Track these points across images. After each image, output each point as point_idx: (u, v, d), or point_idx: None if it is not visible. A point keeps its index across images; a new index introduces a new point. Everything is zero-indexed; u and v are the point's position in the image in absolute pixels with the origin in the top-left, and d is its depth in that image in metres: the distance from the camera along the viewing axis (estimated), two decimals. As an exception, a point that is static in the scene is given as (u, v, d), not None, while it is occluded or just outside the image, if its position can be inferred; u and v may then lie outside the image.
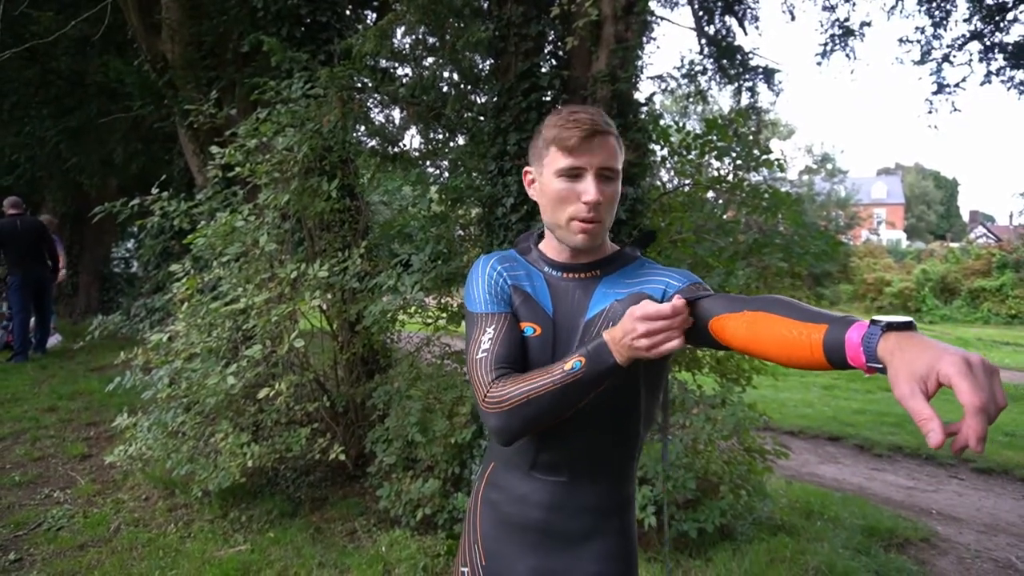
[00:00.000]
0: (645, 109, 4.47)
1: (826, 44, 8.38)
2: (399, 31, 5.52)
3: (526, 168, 1.37)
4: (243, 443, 3.47)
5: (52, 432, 5.04)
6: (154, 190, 3.98)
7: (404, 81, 5.48)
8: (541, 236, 1.42)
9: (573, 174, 1.23)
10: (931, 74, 7.88)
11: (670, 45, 76.11)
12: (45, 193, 11.77)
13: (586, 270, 1.33)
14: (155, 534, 3.48)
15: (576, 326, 1.29)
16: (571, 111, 1.26)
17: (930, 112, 8.09)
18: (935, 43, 7.83)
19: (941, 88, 7.85)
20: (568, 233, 1.27)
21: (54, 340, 8.35)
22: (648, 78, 11.47)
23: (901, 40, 8.09)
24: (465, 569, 1.40)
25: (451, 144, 5.97)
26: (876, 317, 0.84)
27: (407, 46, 6.07)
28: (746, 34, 13.70)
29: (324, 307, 3.97)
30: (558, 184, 1.25)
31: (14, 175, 10.22)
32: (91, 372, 6.99)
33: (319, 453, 3.61)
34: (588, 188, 1.22)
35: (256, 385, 3.49)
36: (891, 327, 0.81)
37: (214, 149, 3.88)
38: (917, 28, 7.98)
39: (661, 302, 1.20)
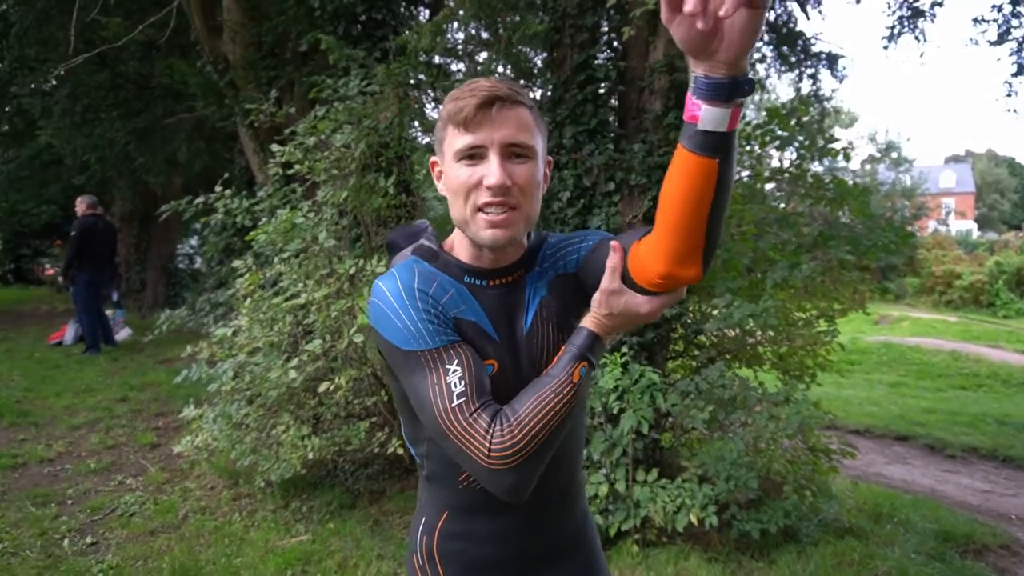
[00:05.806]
0: (704, 99, 4.36)
1: (893, 27, 8.00)
2: (453, 26, 5.54)
3: (432, 159, 1.15)
4: (303, 435, 3.54)
5: (124, 422, 5.26)
6: (217, 188, 4.09)
7: (458, 76, 5.49)
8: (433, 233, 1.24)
9: (473, 154, 1.03)
10: (1010, 55, 7.42)
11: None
12: (114, 192, 12.32)
13: (510, 272, 1.14)
14: (221, 522, 3.58)
15: (519, 343, 1.14)
16: (471, 81, 1.06)
17: (1008, 95, 7.65)
18: (1014, 21, 7.39)
19: (1021, 69, 7.40)
20: (477, 229, 1.05)
21: (124, 333, 8.73)
22: (706, 67, 11.22)
23: (976, 20, 7.66)
24: None
25: (505, 139, 5.96)
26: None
27: (460, 41, 6.09)
28: (808, 19, 13.22)
29: (381, 302, 4.00)
30: (459, 170, 1.04)
31: (86, 175, 10.72)
32: (159, 364, 7.26)
33: (377, 447, 3.65)
34: (491, 169, 1.01)
35: (316, 379, 3.56)
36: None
37: (274, 147, 3.96)
38: (994, 6, 7.49)
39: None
